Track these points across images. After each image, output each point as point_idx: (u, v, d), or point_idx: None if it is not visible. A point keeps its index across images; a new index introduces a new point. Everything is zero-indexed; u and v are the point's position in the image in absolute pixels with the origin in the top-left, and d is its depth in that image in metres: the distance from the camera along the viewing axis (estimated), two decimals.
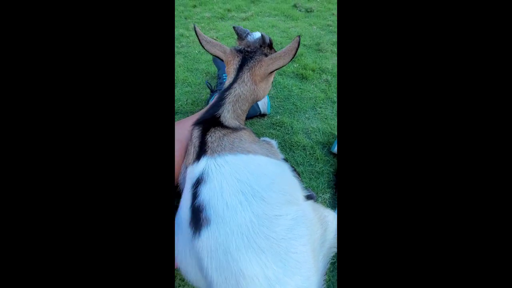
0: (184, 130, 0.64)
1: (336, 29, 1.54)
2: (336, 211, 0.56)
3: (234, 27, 0.66)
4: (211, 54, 0.65)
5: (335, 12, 1.78)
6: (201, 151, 0.50)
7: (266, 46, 0.62)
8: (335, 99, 0.99)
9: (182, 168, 0.60)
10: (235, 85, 0.60)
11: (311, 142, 0.81)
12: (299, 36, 0.55)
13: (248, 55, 0.61)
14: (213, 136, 0.52)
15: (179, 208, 0.48)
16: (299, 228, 0.42)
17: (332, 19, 1.67)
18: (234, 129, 0.56)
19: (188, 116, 0.91)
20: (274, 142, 0.72)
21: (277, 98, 1.00)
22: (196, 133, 0.55)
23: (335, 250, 0.49)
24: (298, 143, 0.81)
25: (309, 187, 0.69)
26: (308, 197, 0.56)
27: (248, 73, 0.60)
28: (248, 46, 0.62)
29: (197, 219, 0.41)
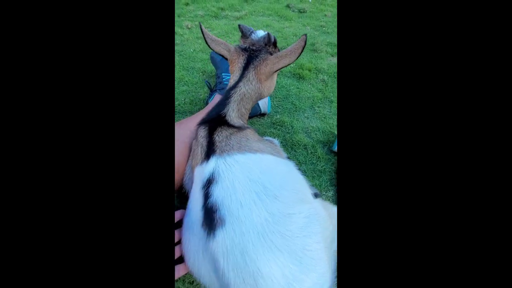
0: (186, 130, 0.62)
1: (329, 30, 1.56)
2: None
3: (239, 25, 0.66)
4: (215, 52, 0.64)
5: (327, 13, 1.80)
6: (210, 150, 0.49)
7: (271, 44, 0.62)
8: (332, 98, 1.01)
9: (187, 169, 0.59)
10: (240, 84, 0.59)
11: (312, 141, 0.82)
12: (305, 35, 0.56)
13: (253, 54, 0.60)
14: (220, 136, 0.52)
15: (188, 210, 0.47)
16: (313, 226, 0.42)
17: (325, 20, 1.69)
18: (240, 128, 0.55)
19: (187, 115, 0.90)
20: (276, 141, 0.72)
21: (276, 97, 1.00)
22: (203, 132, 0.54)
23: None
24: (299, 142, 0.81)
25: (312, 185, 0.70)
26: (315, 195, 0.56)
27: (254, 72, 0.59)
28: (253, 45, 0.62)
29: (211, 219, 0.40)
